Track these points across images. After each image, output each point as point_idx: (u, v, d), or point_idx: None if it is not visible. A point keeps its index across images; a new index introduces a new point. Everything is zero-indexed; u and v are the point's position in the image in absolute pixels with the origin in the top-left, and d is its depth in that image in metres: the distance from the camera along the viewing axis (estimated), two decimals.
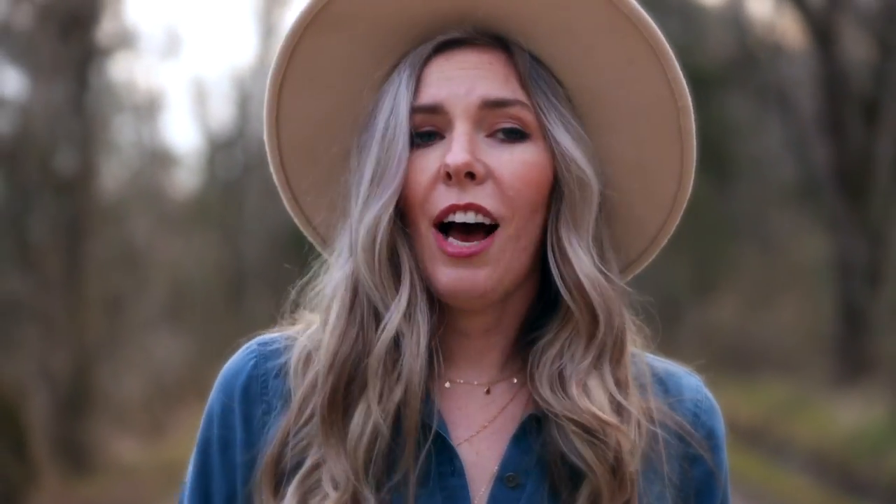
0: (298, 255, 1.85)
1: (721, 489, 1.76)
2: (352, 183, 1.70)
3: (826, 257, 19.60)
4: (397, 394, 1.63)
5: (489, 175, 1.64)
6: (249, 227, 24.88)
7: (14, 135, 13.84)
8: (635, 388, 1.71)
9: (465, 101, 1.65)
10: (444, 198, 1.64)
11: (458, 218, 1.64)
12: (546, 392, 1.66)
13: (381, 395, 1.63)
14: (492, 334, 1.72)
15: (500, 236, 1.65)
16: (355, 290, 1.67)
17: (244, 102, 26.23)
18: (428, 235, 1.65)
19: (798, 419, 15.61)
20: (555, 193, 1.68)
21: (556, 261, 1.68)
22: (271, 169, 1.79)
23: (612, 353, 1.68)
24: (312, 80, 1.74)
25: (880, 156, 17.26)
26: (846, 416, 14.36)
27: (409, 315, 1.65)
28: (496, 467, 1.68)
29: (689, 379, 1.79)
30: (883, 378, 15.01)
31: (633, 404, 1.68)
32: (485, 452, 1.69)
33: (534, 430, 1.68)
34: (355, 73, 1.73)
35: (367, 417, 1.63)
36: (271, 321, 1.82)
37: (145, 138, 21.74)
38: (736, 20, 20.73)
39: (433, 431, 1.65)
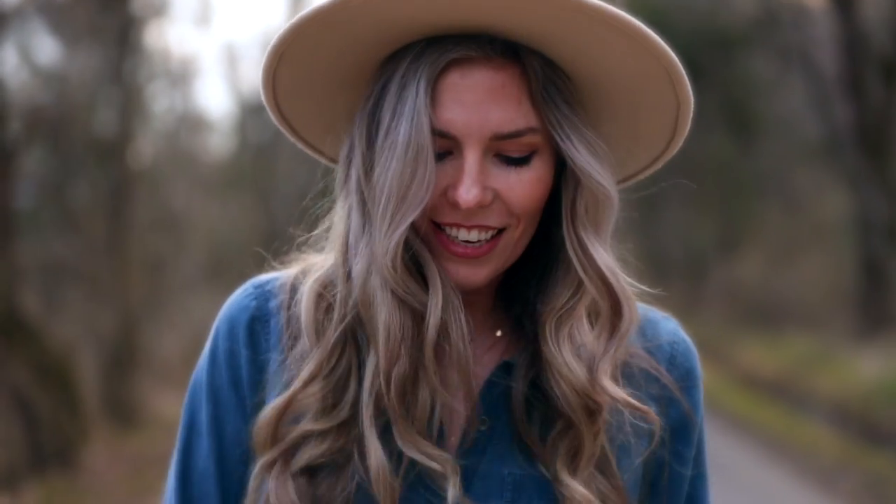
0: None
1: (697, 428, 1.83)
2: (365, 184, 1.69)
3: (847, 214, 19.60)
4: (453, 376, 1.69)
5: (497, 198, 1.66)
6: (282, 189, 25.01)
7: (55, 103, 13.86)
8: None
9: (479, 132, 1.64)
10: (449, 214, 1.67)
11: (462, 236, 1.67)
12: (566, 360, 1.71)
13: (439, 378, 1.67)
14: (476, 294, 1.75)
15: (505, 238, 1.69)
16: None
17: None
18: (429, 233, 1.68)
19: (820, 372, 15.63)
20: (565, 193, 1.71)
21: (577, 255, 1.70)
22: (262, 92, 1.76)
23: (622, 337, 1.72)
24: (311, 62, 1.72)
25: None
26: (867, 368, 14.41)
27: (448, 309, 1.67)
28: (470, 412, 1.74)
29: (667, 323, 1.84)
30: None
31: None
32: (461, 399, 1.73)
33: (504, 375, 1.75)
34: (356, 59, 1.72)
35: (433, 397, 1.68)
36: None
37: (179, 104, 21.93)
38: None
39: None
